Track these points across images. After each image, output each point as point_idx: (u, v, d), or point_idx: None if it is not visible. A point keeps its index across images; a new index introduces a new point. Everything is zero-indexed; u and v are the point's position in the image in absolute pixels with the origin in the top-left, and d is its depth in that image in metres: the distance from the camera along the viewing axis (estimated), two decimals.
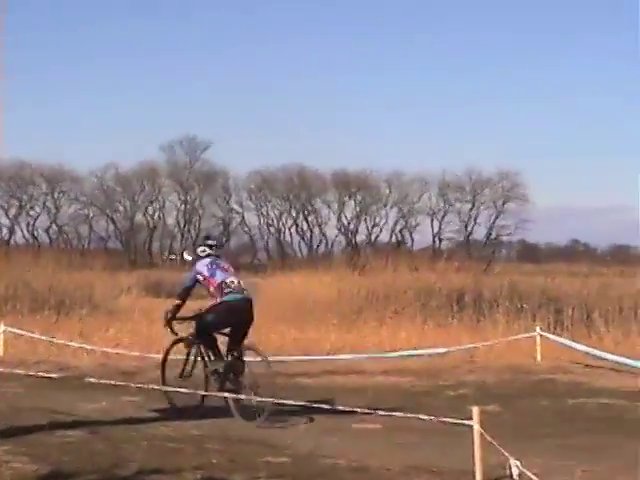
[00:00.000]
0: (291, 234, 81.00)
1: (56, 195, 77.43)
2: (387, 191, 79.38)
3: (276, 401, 10.15)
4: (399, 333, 20.43)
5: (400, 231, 79.51)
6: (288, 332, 22.32)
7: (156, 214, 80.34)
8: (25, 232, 76.76)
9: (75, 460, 7.72)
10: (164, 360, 11.59)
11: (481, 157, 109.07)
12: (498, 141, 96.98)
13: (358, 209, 79.92)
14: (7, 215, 76.61)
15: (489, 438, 6.99)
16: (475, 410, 7.10)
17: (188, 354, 11.41)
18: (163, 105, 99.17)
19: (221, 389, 10.93)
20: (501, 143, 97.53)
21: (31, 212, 77.41)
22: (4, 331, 17.79)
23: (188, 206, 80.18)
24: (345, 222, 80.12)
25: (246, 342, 11.19)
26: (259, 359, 10.99)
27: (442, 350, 16.74)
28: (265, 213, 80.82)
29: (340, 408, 9.85)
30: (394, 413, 8.37)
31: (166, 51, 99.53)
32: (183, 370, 11.36)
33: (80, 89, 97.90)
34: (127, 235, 79.45)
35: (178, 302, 11.23)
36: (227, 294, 10.96)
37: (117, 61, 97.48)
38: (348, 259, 42.54)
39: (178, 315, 11.20)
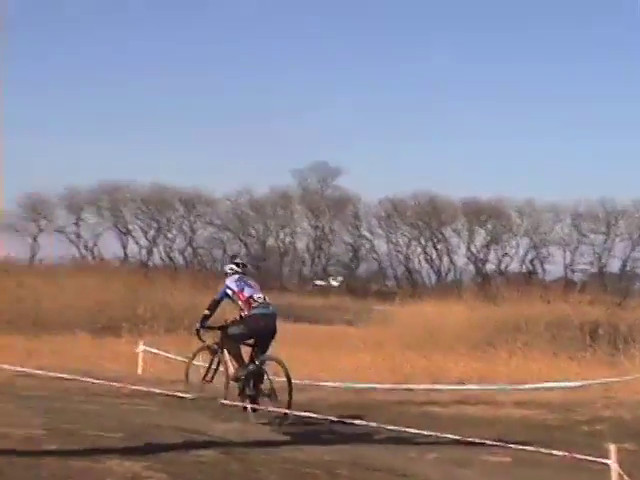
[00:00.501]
0: (420, 262, 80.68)
1: (192, 218, 79.20)
2: (518, 220, 78.36)
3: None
4: (530, 364, 20.09)
5: (531, 261, 78.29)
6: (417, 360, 22.21)
7: (287, 239, 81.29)
8: (162, 254, 78.70)
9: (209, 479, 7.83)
10: (188, 364, 12.82)
11: (616, 187, 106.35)
12: (634, 171, 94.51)
13: (488, 238, 79.09)
14: (146, 237, 78.71)
15: (627, 478, 6.80)
16: (612, 448, 6.91)
17: (211, 361, 12.48)
18: (297, 131, 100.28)
19: (241, 395, 11.91)
20: (637, 173, 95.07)
21: (169, 235, 79.39)
22: (143, 350, 18.23)
23: (319, 232, 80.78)
24: (475, 251, 79.40)
25: (269, 353, 12.11)
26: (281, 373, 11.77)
27: (577, 384, 16.31)
28: (395, 240, 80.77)
29: (470, 439, 9.73)
30: (526, 447, 8.22)
31: (302, 78, 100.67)
32: (206, 375, 12.49)
33: (218, 116, 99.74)
34: (259, 259, 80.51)
35: (206, 312, 12.28)
36: (254, 308, 12.04)
37: (250, 87, 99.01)
38: (478, 288, 42.16)
39: (206, 324, 12.29)
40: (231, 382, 12.09)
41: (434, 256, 80.00)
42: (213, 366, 12.43)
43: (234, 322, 12.18)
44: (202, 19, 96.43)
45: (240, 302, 12.10)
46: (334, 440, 10.84)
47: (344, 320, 42.70)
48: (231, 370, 12.14)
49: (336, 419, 11.06)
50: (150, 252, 78.11)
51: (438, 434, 10.19)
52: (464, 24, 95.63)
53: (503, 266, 78.59)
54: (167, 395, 13.53)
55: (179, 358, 18.78)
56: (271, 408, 11.43)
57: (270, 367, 12.01)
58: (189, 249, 79.32)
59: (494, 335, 25.05)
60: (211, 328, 12.42)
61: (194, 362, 12.95)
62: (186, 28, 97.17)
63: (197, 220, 79.44)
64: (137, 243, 78.23)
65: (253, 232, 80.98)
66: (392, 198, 78.94)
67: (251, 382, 11.94)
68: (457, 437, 9.58)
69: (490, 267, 78.55)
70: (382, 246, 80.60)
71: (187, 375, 12.81)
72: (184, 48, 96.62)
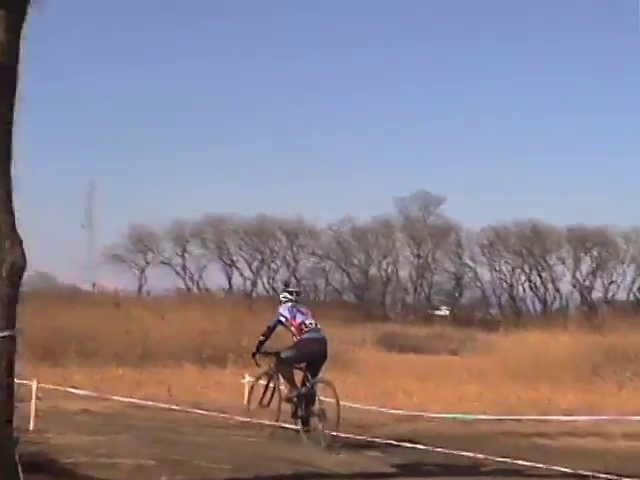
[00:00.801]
0: (524, 290, 79.69)
1: (295, 249, 79.81)
2: (625, 247, 76.82)
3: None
4: None
5: (639, 289, 76.56)
6: (523, 390, 21.95)
7: (390, 268, 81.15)
8: (266, 285, 79.38)
9: None
10: (250, 391, 13.73)
11: None
12: None
13: (594, 265, 77.70)
14: (250, 268, 79.54)
15: None
16: None
17: (267, 384, 13.35)
18: (397, 160, 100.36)
19: (294, 416, 12.74)
20: None
21: (272, 265, 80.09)
22: (248, 381, 18.37)
23: (421, 260, 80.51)
24: (580, 278, 78.05)
25: (320, 376, 12.90)
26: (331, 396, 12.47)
27: None
28: (498, 268, 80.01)
29: (580, 472, 9.56)
30: None
31: (404, 108, 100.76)
32: (262, 399, 13.27)
33: (317, 145, 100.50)
34: (361, 288, 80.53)
35: (262, 338, 13.23)
36: (306, 332, 12.88)
37: (350, 117, 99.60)
38: (584, 317, 41.42)
39: (262, 350, 13.21)
40: (283, 404, 12.90)
41: (538, 284, 78.98)
42: (269, 391, 13.28)
43: (288, 347, 13.06)
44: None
45: (293, 328, 12.96)
46: (441, 472, 10.77)
47: (448, 349, 42.41)
48: (284, 392, 13.00)
49: (443, 450, 11.00)
50: (254, 283, 78.95)
51: (548, 466, 10.06)
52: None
53: (610, 294, 77.07)
54: (275, 426, 13.63)
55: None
56: (321, 428, 12.27)
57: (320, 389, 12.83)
58: (292, 279, 79.88)
59: (601, 365, 24.61)
60: (267, 354, 13.28)
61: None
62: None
63: (300, 250, 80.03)
64: (241, 274, 79.23)
65: (355, 261, 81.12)
66: (495, 226, 78.38)
67: (303, 404, 12.71)
68: (567, 469, 9.42)
69: (596, 295, 77.13)
70: (485, 274, 79.98)
71: (249, 401, 13.67)
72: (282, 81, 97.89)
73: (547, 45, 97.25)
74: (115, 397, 16.56)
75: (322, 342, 12.98)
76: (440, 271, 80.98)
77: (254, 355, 13.34)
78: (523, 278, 79.33)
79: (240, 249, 79.59)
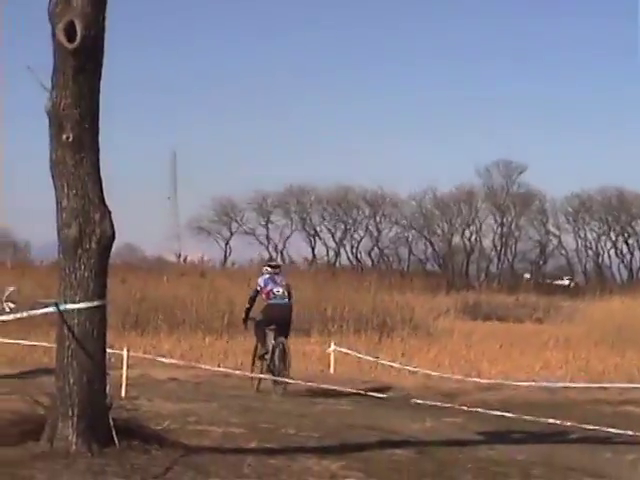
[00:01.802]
0: (610, 257, 78.42)
1: (378, 219, 79.69)
2: None
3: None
4: None
5: None
6: (609, 358, 21.65)
7: (473, 237, 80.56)
8: (349, 255, 79.49)
9: (404, 479, 7.86)
10: (252, 366, 15.78)
11: None
12: None
13: None
14: (333, 238, 79.72)
15: None
16: None
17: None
18: (479, 128, 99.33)
19: (265, 371, 15.09)
20: None
21: (355, 235, 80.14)
22: (334, 350, 18.47)
23: (504, 229, 79.70)
24: None
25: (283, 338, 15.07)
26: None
27: None
28: (583, 236, 78.88)
29: None
30: None
31: (487, 73, 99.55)
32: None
33: (399, 114, 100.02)
34: (445, 257, 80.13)
35: (247, 306, 15.73)
36: (271, 299, 15.28)
37: (432, 83, 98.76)
38: None
39: (249, 316, 15.62)
40: (257, 360, 15.48)
41: (625, 251, 77.69)
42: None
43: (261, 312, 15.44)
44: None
45: (263, 295, 15.42)
46: (527, 439, 10.69)
47: (533, 318, 41.96)
48: (258, 351, 15.44)
49: (529, 418, 10.92)
50: (337, 253, 79.08)
51: (634, 433, 9.92)
52: None
53: None
54: (360, 394, 13.68)
55: (369, 358, 18.97)
56: (275, 378, 14.58)
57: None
58: (375, 249, 79.83)
59: None
60: (251, 319, 15.65)
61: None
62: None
63: (382, 220, 79.88)
64: (325, 244, 79.46)
65: (438, 230, 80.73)
66: (579, 193, 77.18)
67: (270, 359, 15.01)
68: None
69: None
70: (570, 242, 78.86)
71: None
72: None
73: None
74: (203, 366, 16.80)
75: (283, 308, 15.30)
76: (524, 239, 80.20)
77: (244, 321, 15.80)
78: (609, 245, 78.20)
79: (323, 219, 79.88)
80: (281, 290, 15.36)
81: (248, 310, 15.68)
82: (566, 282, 73.68)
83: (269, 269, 15.89)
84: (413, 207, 79.85)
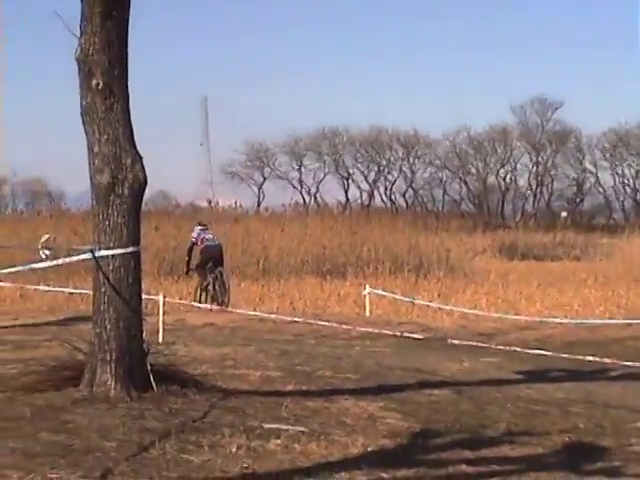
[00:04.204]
0: None
1: (411, 160, 79.36)
2: None
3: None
4: None
5: None
6: None
7: (508, 176, 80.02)
8: (383, 197, 79.34)
9: (443, 419, 7.89)
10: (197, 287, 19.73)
11: None
12: None
13: None
14: (367, 180, 79.57)
15: None
16: None
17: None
18: (513, 65, 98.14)
19: (207, 300, 18.98)
20: None
21: (388, 177, 79.93)
22: (369, 292, 18.51)
23: (540, 167, 79.06)
24: None
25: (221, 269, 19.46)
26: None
27: None
28: (620, 172, 78.05)
29: None
30: None
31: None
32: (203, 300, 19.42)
33: (429, 48, 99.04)
34: (480, 197, 79.76)
35: (187, 258, 20.14)
36: (205, 242, 19.54)
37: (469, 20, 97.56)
38: None
39: (190, 267, 20.04)
40: (199, 291, 19.39)
41: None
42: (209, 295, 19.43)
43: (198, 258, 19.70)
44: None
45: (198, 243, 19.65)
46: (566, 377, 10.69)
47: (571, 256, 41.77)
48: (201, 284, 19.40)
49: (568, 356, 10.92)
50: (371, 195, 78.94)
51: None
52: None
53: None
54: (397, 336, 13.73)
55: (405, 299, 19.00)
56: (213, 307, 18.15)
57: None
58: (409, 190, 79.60)
59: None
60: (191, 269, 19.99)
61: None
62: None
63: (416, 161, 79.53)
64: (358, 187, 79.35)
65: (473, 170, 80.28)
66: (616, 129, 76.20)
67: (213, 289, 19.24)
68: None
69: None
70: (608, 179, 78.10)
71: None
72: None
73: None
74: (239, 310, 16.92)
75: (216, 247, 19.67)
76: (560, 177, 79.51)
77: (187, 273, 20.41)
78: None
79: (356, 161, 79.68)
80: (211, 236, 19.93)
81: (188, 261, 20.04)
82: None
83: (199, 227, 20.03)
84: (447, 147, 79.48)
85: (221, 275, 19.49)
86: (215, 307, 18.24)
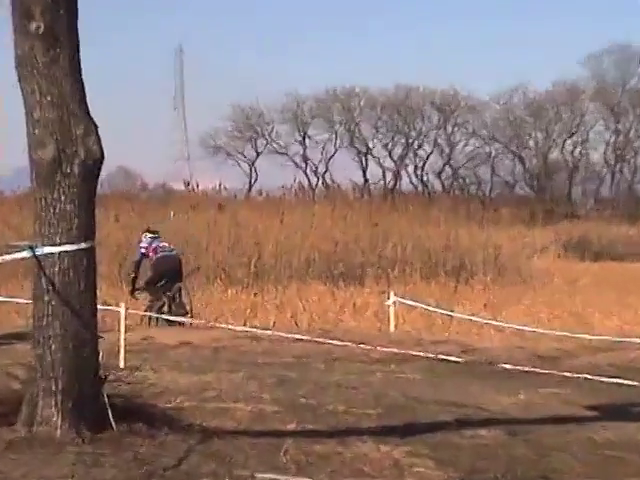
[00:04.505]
0: None
1: (450, 129, 79.10)
2: None
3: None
4: None
5: None
6: None
7: (577, 149, 79.82)
8: (412, 177, 79.15)
9: (491, 468, 7.90)
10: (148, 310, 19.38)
11: None
12: None
13: None
14: (391, 157, 79.10)
15: None
16: None
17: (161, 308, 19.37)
18: (584, 6, 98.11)
19: (156, 322, 18.86)
20: None
21: (419, 152, 79.58)
22: (394, 302, 18.50)
23: (620, 138, 78.89)
24: None
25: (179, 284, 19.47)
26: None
27: None
28: None
29: None
30: None
31: None
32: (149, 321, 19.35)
33: None
34: (540, 178, 79.63)
35: (132, 276, 19.94)
36: (159, 253, 19.48)
37: None
38: None
39: (136, 286, 19.86)
40: (153, 314, 18.93)
41: None
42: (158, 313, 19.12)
43: (148, 273, 19.70)
44: None
45: (150, 253, 19.48)
46: None
47: None
48: (152, 306, 19.28)
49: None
50: (397, 175, 78.83)
51: None
52: None
53: None
54: (430, 359, 13.74)
55: (441, 311, 19.02)
56: (173, 318, 18.44)
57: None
58: (447, 169, 79.51)
59: None
60: (138, 289, 19.82)
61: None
62: None
63: (456, 131, 79.35)
64: (380, 165, 79.15)
65: (531, 143, 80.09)
66: None
67: (169, 308, 19.10)
68: None
69: None
70: None
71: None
72: None
73: None
74: (224, 325, 16.95)
75: (173, 258, 19.73)
76: None
77: (132, 293, 19.85)
78: None
79: (377, 131, 79.46)
80: (166, 244, 20.01)
81: (135, 279, 19.87)
82: None
83: (149, 234, 20.00)
84: (497, 112, 79.27)
85: (180, 294, 19.48)
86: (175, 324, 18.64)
